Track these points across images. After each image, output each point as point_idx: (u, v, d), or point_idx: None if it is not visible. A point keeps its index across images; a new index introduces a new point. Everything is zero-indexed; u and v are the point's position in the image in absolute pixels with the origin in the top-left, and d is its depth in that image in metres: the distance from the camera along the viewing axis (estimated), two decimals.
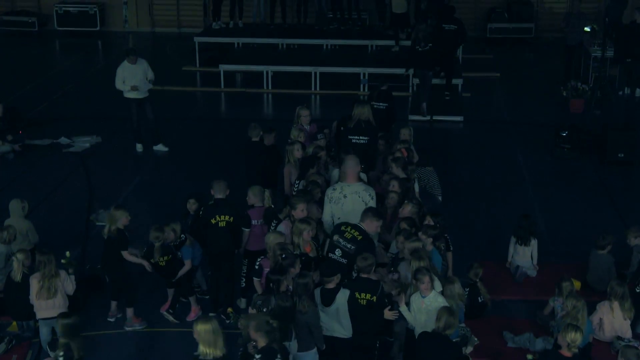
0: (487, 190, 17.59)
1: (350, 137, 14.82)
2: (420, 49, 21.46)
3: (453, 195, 16.44)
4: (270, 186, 14.66)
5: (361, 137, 14.75)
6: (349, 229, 11.26)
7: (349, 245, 11.16)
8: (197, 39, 26.53)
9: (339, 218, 12.06)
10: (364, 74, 23.78)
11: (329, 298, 10.50)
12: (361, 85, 23.67)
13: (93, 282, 13.47)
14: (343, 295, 10.50)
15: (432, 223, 12.27)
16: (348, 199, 12.06)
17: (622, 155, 18.61)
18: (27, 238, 13.36)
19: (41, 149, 19.66)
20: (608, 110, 21.14)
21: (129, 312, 12.64)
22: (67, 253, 12.40)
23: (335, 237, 11.29)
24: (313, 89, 24.02)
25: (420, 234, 11.81)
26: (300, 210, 12.03)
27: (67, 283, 11.83)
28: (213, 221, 12.63)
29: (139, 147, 19.55)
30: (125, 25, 31.70)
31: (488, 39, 29.26)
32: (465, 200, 16.89)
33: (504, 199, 17.06)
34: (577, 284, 12.85)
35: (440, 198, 14.86)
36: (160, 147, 19.59)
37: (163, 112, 20.76)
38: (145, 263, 12.52)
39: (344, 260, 11.14)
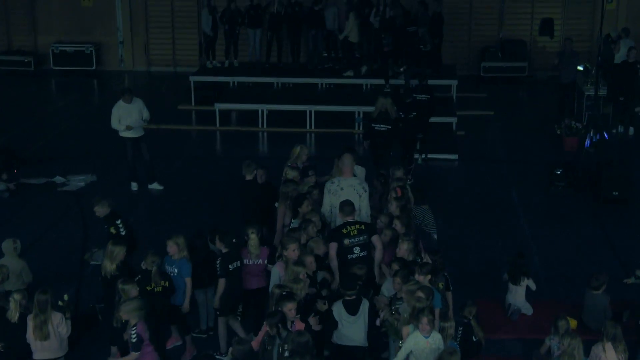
0: (482, 228, 17.59)
1: (373, 125, 18.02)
2: (424, 49, 23.28)
3: (448, 234, 16.43)
4: (267, 224, 14.65)
5: (382, 125, 17.88)
6: (348, 227, 12.58)
7: (362, 238, 12.53)
8: (192, 78, 26.66)
9: (335, 208, 13.35)
10: (359, 113, 23.83)
11: (354, 308, 11.29)
12: (356, 124, 23.73)
13: (87, 321, 13.41)
14: (365, 305, 11.35)
15: (428, 261, 12.31)
16: (345, 191, 13.50)
17: (617, 193, 18.63)
18: (20, 278, 13.28)
19: (36, 187, 19.66)
20: (602, 148, 21.18)
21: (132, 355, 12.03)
22: (65, 296, 12.29)
23: (346, 241, 12.48)
24: (308, 127, 24.08)
25: (416, 275, 11.82)
26: (291, 250, 12.11)
27: (62, 327, 11.70)
28: None
29: (134, 185, 19.55)
30: (121, 65, 31.82)
31: (482, 77, 29.41)
32: (460, 238, 16.88)
33: (499, 237, 17.07)
34: (574, 323, 12.82)
35: (435, 236, 14.82)
36: (155, 186, 19.60)
37: (158, 150, 20.78)
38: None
39: (364, 253, 12.53)
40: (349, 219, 12.72)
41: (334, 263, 12.51)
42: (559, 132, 22.37)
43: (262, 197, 15.00)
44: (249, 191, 15.07)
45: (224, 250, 12.66)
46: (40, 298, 11.50)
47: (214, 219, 16.70)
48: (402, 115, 18.89)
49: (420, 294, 11.14)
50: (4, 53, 31.36)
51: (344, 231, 12.55)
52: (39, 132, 24.10)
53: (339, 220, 13.10)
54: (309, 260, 12.04)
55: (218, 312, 12.86)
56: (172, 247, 12.67)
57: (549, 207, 18.71)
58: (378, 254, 12.69)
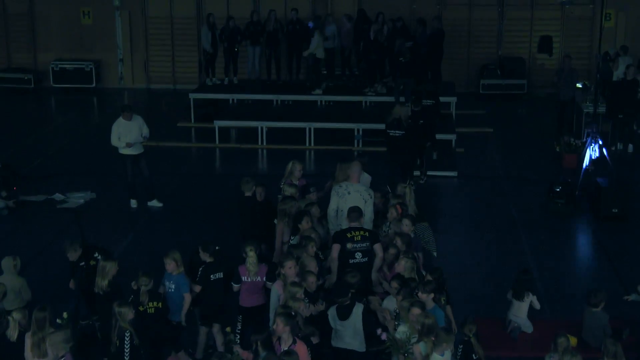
0: (481, 245, 17.56)
1: (388, 131, 19.26)
2: (403, 60, 24.33)
3: (448, 251, 16.39)
4: (266, 241, 14.63)
5: (397, 131, 19.12)
6: (353, 232, 13.03)
7: (364, 245, 12.95)
8: (192, 96, 26.65)
9: (341, 210, 14.12)
10: (358, 130, 23.88)
11: (345, 313, 11.53)
12: (355, 141, 23.77)
13: (86, 339, 13.35)
14: (359, 309, 11.54)
15: (430, 279, 12.32)
16: (351, 195, 14.25)
17: (616, 210, 18.58)
18: (19, 295, 13.22)
19: (35, 205, 19.63)
20: (601, 165, 21.15)
21: None
22: (65, 314, 12.23)
23: (349, 245, 12.91)
24: (307, 144, 24.08)
25: (419, 293, 11.82)
26: (288, 267, 12.16)
27: None
28: None
29: (134, 203, 19.53)
30: (121, 82, 31.86)
31: (481, 94, 29.47)
32: (460, 256, 16.85)
33: (499, 255, 17.04)
34: (574, 340, 12.77)
35: (435, 254, 14.81)
36: (154, 203, 19.57)
37: (158, 167, 20.77)
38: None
39: (365, 259, 12.96)
40: (354, 224, 13.15)
41: (335, 264, 12.97)
42: (558, 149, 22.37)
43: (260, 214, 15.00)
44: (247, 208, 15.08)
45: (208, 260, 12.81)
46: (38, 315, 11.42)
47: (214, 236, 16.61)
48: (411, 123, 19.77)
49: (415, 310, 11.14)
50: (3, 70, 31.42)
51: (348, 235, 12.99)
52: (38, 149, 24.09)
53: (345, 224, 13.62)
54: (311, 280, 12.06)
55: (199, 322, 13.00)
56: (170, 264, 12.66)
57: (548, 224, 18.67)
58: (377, 261, 13.07)
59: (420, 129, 20.18)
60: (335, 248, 13.00)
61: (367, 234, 13.09)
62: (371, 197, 14.43)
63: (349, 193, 14.31)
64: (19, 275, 13.53)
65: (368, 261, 12.99)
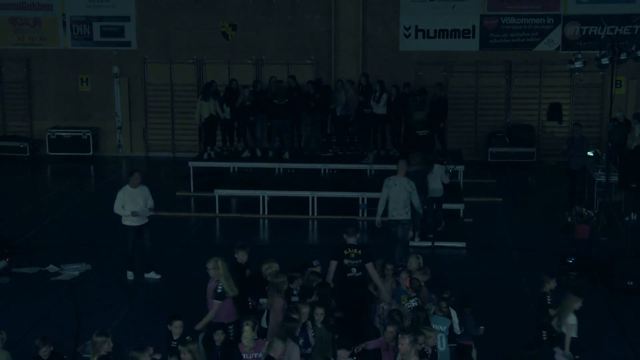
0: (491, 319, 16.91)
1: (417, 132, 24.29)
2: (278, 102, 26.22)
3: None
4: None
5: (423, 131, 24.31)
6: (349, 250, 14.82)
7: (358, 262, 14.76)
8: (191, 164, 26.33)
9: (390, 198, 18.28)
10: (363, 199, 23.53)
11: None
12: (360, 210, 23.40)
13: None
14: None
15: None
16: (397, 187, 18.34)
17: (631, 283, 18.10)
18: None
19: (29, 277, 19.14)
20: (615, 236, 20.67)
21: None
22: None
23: (346, 261, 14.76)
24: (310, 214, 23.71)
25: None
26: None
27: None
28: None
29: (130, 275, 19.02)
30: (119, 150, 31.60)
31: (489, 163, 29.36)
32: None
33: (510, 329, 16.47)
34: None
35: None
36: (152, 275, 19.08)
37: (156, 238, 20.28)
38: None
39: (360, 274, 14.79)
40: (351, 240, 14.95)
41: (330, 277, 14.74)
42: (569, 220, 21.98)
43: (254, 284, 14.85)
44: (237, 274, 14.88)
45: None
46: None
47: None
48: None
49: None
50: None
51: (345, 252, 14.82)
52: (33, 219, 23.74)
53: (393, 207, 18.13)
54: (304, 310, 12.91)
55: None
56: (185, 355, 12.14)
57: (560, 298, 18.06)
58: (374, 279, 14.77)
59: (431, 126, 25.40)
60: (333, 264, 14.79)
61: (359, 252, 14.81)
62: (413, 189, 18.32)
63: (395, 185, 18.30)
64: (4, 349, 12.96)
65: (362, 275, 14.80)
